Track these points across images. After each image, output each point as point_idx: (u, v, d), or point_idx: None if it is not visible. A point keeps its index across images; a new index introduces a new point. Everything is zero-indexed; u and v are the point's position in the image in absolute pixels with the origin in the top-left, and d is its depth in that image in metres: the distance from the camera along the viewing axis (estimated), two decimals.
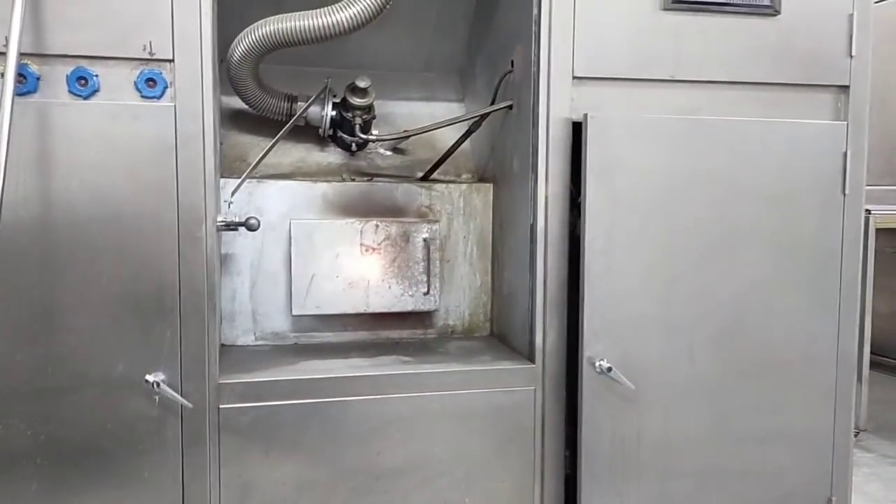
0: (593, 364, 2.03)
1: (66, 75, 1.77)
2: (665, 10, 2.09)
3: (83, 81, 1.78)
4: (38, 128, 1.75)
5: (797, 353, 2.20)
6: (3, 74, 1.65)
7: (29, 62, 1.74)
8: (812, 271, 2.20)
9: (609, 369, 2.01)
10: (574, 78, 2.07)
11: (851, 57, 2.22)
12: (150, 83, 1.81)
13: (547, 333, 2.11)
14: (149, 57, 1.80)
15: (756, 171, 2.13)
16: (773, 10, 2.17)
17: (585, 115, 2.01)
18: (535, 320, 2.11)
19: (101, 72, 1.79)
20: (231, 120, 2.47)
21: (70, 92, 1.77)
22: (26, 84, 1.74)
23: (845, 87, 2.24)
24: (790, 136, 2.15)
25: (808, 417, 2.23)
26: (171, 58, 1.81)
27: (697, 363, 2.12)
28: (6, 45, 1.65)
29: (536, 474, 2.12)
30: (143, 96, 1.81)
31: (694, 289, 2.11)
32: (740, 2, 2.14)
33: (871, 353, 4.16)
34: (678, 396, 2.11)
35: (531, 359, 2.13)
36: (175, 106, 1.82)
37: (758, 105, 2.20)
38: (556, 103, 2.06)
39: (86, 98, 1.78)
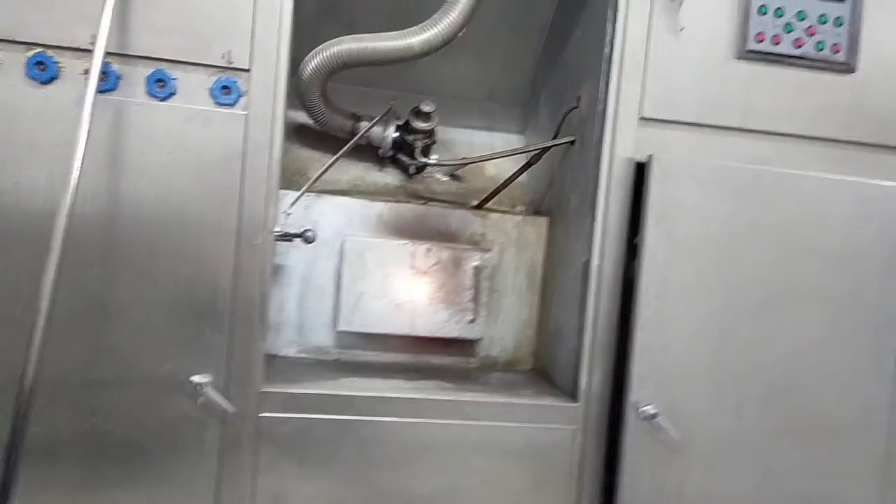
0: (638, 409, 1.99)
1: (146, 76, 1.82)
2: (738, 58, 2.08)
3: (161, 83, 1.82)
4: (113, 125, 1.80)
5: (848, 418, 2.13)
6: (87, 71, 1.70)
7: (112, 61, 1.79)
8: (870, 336, 2.14)
9: (654, 416, 1.97)
10: (641, 119, 2.06)
11: None
12: (226, 91, 1.84)
13: (593, 374, 2.08)
14: (226, 65, 1.84)
15: (819, 228, 2.09)
16: (848, 68, 2.14)
17: (650, 157, 2.00)
18: (581, 359, 2.08)
19: (180, 76, 1.83)
20: (294, 134, 2.51)
21: (148, 93, 1.82)
22: (107, 82, 1.79)
23: None
24: (857, 196, 2.11)
25: (855, 486, 2.15)
26: (247, 67, 1.85)
27: (745, 419, 2.06)
28: (93, 44, 1.70)
29: None
30: (217, 103, 1.85)
31: (747, 342, 2.06)
32: (815, 57, 2.11)
33: None
34: (723, 451, 2.06)
35: (574, 398, 2.10)
36: (247, 115, 1.85)
37: (826, 161, 2.16)
38: (621, 142, 2.05)
39: (162, 100, 1.83)
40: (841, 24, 2.12)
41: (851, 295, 2.12)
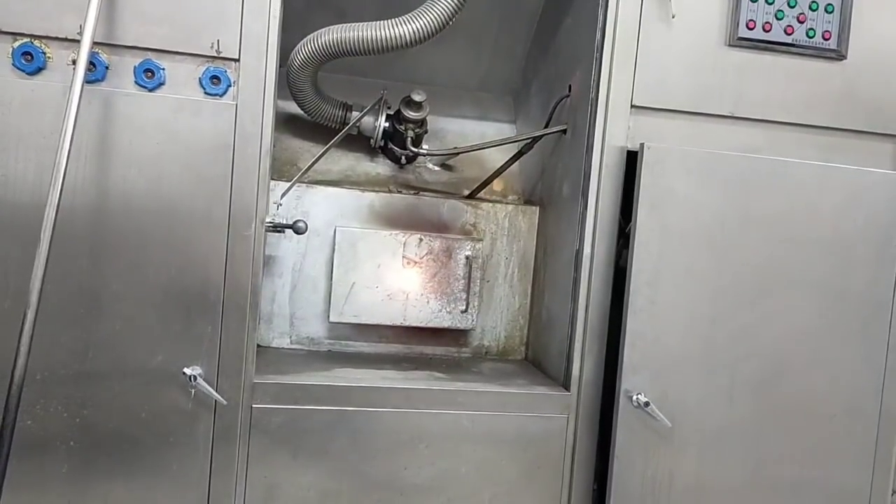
0: (630, 397, 2.00)
1: (134, 66, 1.80)
2: (730, 46, 2.08)
3: (150, 74, 1.81)
4: (102, 116, 1.78)
5: (839, 405, 2.15)
6: (75, 61, 1.69)
7: (100, 51, 1.78)
8: (860, 323, 2.15)
9: (646, 404, 1.98)
10: (632, 107, 2.05)
11: None
12: (215, 80, 1.83)
13: (585, 362, 2.08)
14: (215, 55, 1.83)
15: (810, 215, 2.09)
16: (838, 55, 2.14)
17: (642, 145, 1.99)
18: (573, 348, 2.09)
19: (168, 66, 1.82)
20: (284, 124, 2.50)
21: (136, 83, 1.80)
22: (95, 72, 1.77)
23: None
24: (848, 183, 2.11)
25: (846, 472, 2.17)
26: (236, 57, 1.83)
27: (736, 406, 2.07)
28: (80, 34, 1.69)
29: None
30: (206, 93, 1.83)
31: (738, 330, 2.07)
32: (806, 44, 2.11)
33: None
34: (714, 439, 2.07)
35: (566, 387, 2.11)
36: (237, 105, 1.84)
37: (817, 149, 2.16)
38: (613, 131, 2.05)
39: (151, 90, 1.81)
40: (831, 11, 2.12)
41: (842, 282, 2.13)
